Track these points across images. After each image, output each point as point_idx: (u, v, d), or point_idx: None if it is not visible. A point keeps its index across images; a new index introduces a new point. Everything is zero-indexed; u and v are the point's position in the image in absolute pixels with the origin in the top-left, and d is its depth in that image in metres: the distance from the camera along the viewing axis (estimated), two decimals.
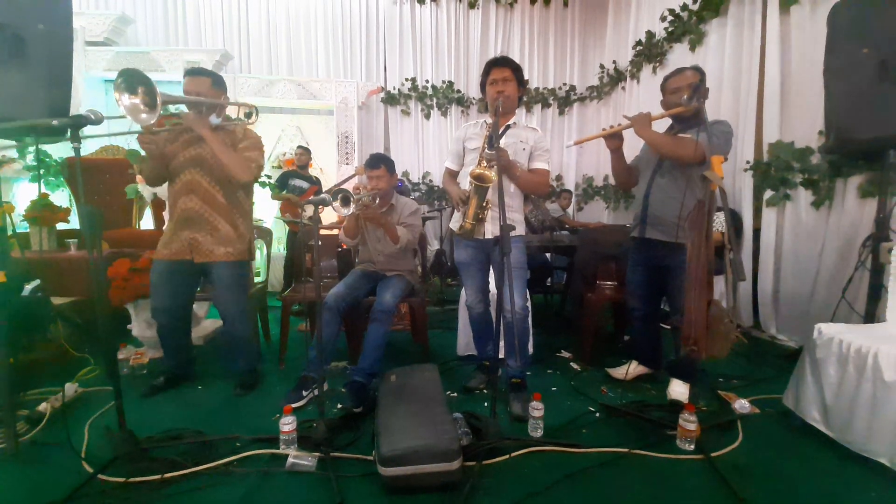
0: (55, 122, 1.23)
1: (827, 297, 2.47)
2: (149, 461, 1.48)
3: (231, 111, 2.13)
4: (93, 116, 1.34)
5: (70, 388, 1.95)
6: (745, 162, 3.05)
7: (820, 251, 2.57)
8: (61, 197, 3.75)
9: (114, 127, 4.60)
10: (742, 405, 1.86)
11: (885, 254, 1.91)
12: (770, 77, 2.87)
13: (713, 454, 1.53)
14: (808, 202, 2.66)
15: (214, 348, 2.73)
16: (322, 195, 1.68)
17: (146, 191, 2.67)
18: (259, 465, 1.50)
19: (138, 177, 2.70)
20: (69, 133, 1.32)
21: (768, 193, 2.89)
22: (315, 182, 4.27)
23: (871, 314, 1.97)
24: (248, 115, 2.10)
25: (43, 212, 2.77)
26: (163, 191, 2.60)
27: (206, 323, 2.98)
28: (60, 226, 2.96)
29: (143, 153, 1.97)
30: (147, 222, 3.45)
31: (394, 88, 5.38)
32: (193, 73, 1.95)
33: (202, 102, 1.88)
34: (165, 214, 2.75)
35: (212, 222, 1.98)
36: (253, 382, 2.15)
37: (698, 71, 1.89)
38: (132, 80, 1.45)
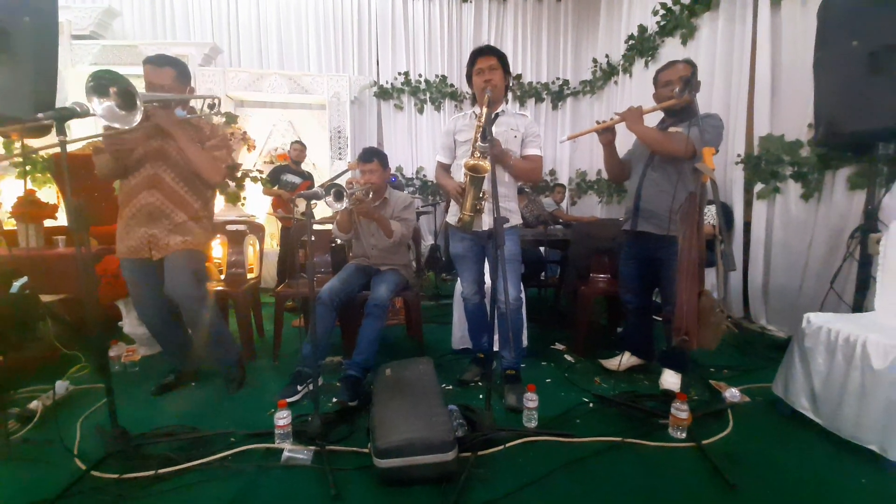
0: (40, 116, 1.21)
1: (816, 288, 2.51)
2: (142, 458, 1.47)
3: (195, 103, 2.00)
4: (78, 109, 1.32)
5: (61, 385, 1.93)
6: (735, 155, 3.07)
7: (809, 243, 2.61)
8: (48, 193, 3.68)
9: (101, 122, 4.52)
10: (732, 394, 1.88)
11: (874, 245, 1.94)
12: (761, 71, 2.89)
13: (704, 442, 1.56)
14: (798, 194, 2.69)
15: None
16: (314, 189, 1.67)
17: None
18: (254, 460, 1.50)
19: None
20: (55, 127, 1.29)
21: (759, 186, 2.92)
22: (308, 177, 4.24)
23: (860, 304, 2.01)
24: (212, 108, 1.96)
25: (30, 209, 2.72)
26: None
27: None
28: (48, 223, 2.92)
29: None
30: None
31: (387, 83, 5.34)
32: (156, 61, 1.79)
33: (173, 99, 1.77)
34: None
35: (171, 217, 1.87)
36: (239, 376, 2.08)
37: (690, 64, 1.90)
38: (103, 82, 1.33)
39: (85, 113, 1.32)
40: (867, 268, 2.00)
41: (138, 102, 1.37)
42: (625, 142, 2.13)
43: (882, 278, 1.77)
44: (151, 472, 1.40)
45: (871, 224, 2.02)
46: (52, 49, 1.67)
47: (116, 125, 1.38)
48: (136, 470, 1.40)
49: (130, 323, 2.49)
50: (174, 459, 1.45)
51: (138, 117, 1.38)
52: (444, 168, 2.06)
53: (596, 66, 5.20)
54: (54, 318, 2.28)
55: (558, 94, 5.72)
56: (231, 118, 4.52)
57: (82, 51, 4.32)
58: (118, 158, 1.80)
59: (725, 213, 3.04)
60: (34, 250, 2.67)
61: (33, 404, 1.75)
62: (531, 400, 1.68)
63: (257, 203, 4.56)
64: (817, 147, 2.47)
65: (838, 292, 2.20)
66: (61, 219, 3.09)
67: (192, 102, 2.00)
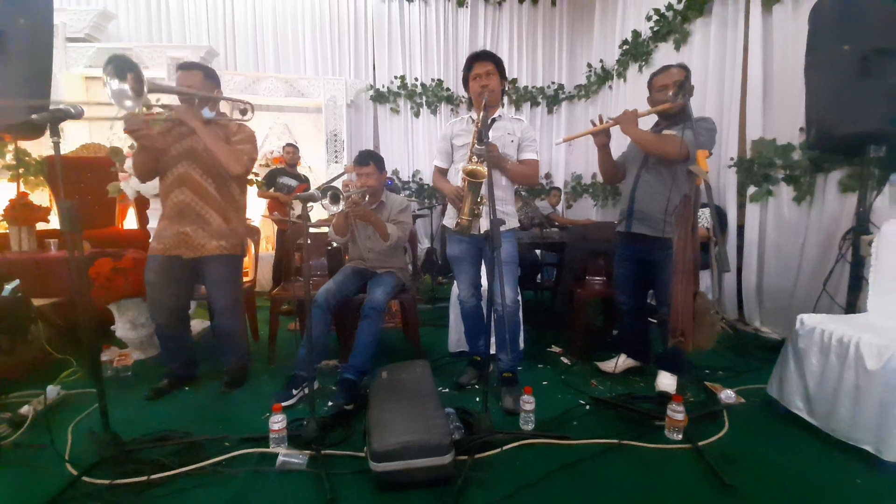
0: (35, 117, 1.20)
1: (809, 290, 2.53)
2: (134, 463, 1.45)
3: (226, 108, 2.09)
4: (73, 110, 1.32)
5: (52, 390, 1.90)
6: (728, 158, 3.10)
7: (802, 245, 2.64)
8: (41, 196, 3.65)
9: (94, 126, 4.50)
10: (728, 395, 1.89)
11: (866, 246, 1.96)
12: (753, 75, 2.93)
13: (700, 443, 1.56)
14: (790, 197, 2.72)
15: (201, 349, 2.69)
16: (311, 192, 1.67)
17: (129, 188, 2.61)
18: (248, 464, 1.48)
19: (121, 174, 2.64)
20: (49, 128, 1.28)
21: (751, 189, 2.95)
22: (304, 180, 4.23)
23: (852, 305, 2.02)
24: (244, 113, 2.05)
25: (22, 212, 2.70)
26: (146, 188, 2.55)
27: (192, 323, 2.93)
28: (40, 226, 2.89)
29: (128, 145, 1.93)
30: (130, 222, 3.39)
31: (383, 86, 5.35)
32: (185, 66, 1.95)
33: (191, 94, 1.85)
34: (149, 213, 2.70)
35: (203, 216, 1.94)
36: (241, 380, 2.12)
37: (684, 68, 1.92)
38: (122, 66, 1.44)
39: (79, 114, 1.32)
40: (859, 269, 2.02)
41: (145, 89, 1.44)
42: (620, 145, 2.15)
43: (874, 280, 1.79)
44: (144, 478, 1.38)
45: (862, 226, 2.04)
46: (46, 51, 1.67)
47: (121, 107, 1.46)
48: (128, 475, 1.38)
49: (123, 327, 2.46)
50: (167, 465, 1.43)
51: (141, 104, 1.46)
52: (442, 172, 2.06)
53: (590, 71, 5.24)
54: (46, 322, 2.26)
55: (553, 99, 5.76)
56: None
57: (77, 53, 4.31)
58: (146, 150, 1.88)
59: (719, 215, 3.07)
60: (26, 253, 2.65)
61: (24, 409, 1.73)
62: (528, 402, 1.68)
63: (253, 206, 4.53)
64: (809, 150, 2.50)
65: (831, 294, 2.22)
66: (54, 222, 3.06)
67: (223, 107, 2.08)
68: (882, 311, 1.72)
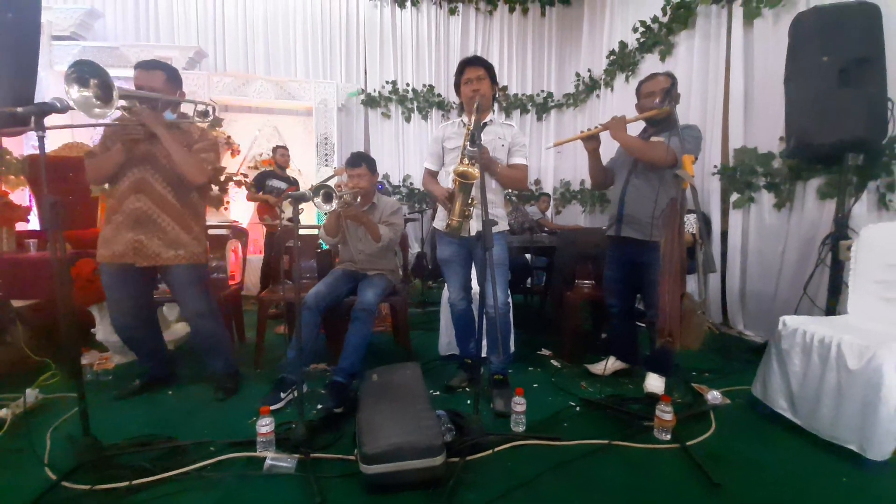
0: (19, 110, 1.18)
1: (789, 294, 2.60)
2: (116, 468, 1.41)
3: (187, 109, 2.00)
4: (58, 104, 1.29)
5: (30, 394, 1.84)
6: (712, 166, 3.18)
7: (782, 250, 2.71)
8: (21, 197, 3.55)
9: (77, 119, 4.42)
10: (714, 396, 1.92)
11: (844, 251, 2.02)
12: (735, 86, 3.02)
13: (688, 443, 1.58)
14: (771, 204, 2.80)
15: (186, 353, 2.63)
16: (303, 191, 1.66)
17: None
18: (235, 469, 1.45)
19: None
20: (33, 121, 1.26)
21: (734, 196, 3.03)
22: (293, 183, 4.19)
23: (832, 308, 2.09)
24: (204, 115, 1.95)
25: (2, 211, 2.62)
26: None
27: (176, 327, 2.87)
28: (20, 227, 2.81)
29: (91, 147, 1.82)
30: None
31: (374, 91, 5.37)
32: (146, 66, 1.82)
33: (159, 99, 1.77)
34: None
35: (160, 224, 1.84)
36: (233, 386, 2.07)
37: (670, 76, 1.97)
38: (84, 72, 1.37)
39: (65, 108, 1.30)
40: (838, 273, 2.08)
41: (114, 96, 1.38)
42: (609, 150, 2.19)
43: (854, 282, 1.84)
44: (125, 483, 1.34)
45: (841, 231, 2.11)
46: (33, 46, 1.64)
47: (88, 115, 1.38)
48: (109, 481, 1.34)
49: (104, 330, 2.40)
50: (150, 469, 1.39)
51: (112, 112, 1.39)
52: (432, 175, 2.07)
53: (579, 80, 5.34)
54: (24, 324, 2.18)
55: (542, 106, 5.84)
56: (215, 122, 4.46)
57: (62, 51, 4.23)
58: (110, 155, 1.78)
59: (704, 220, 3.14)
60: (5, 254, 2.57)
61: (2, 412, 1.67)
62: (519, 404, 1.68)
63: (241, 208, 4.49)
64: (789, 158, 2.58)
65: (811, 297, 2.28)
66: (33, 223, 2.98)
67: (185, 108, 1.98)
68: (862, 313, 1.77)
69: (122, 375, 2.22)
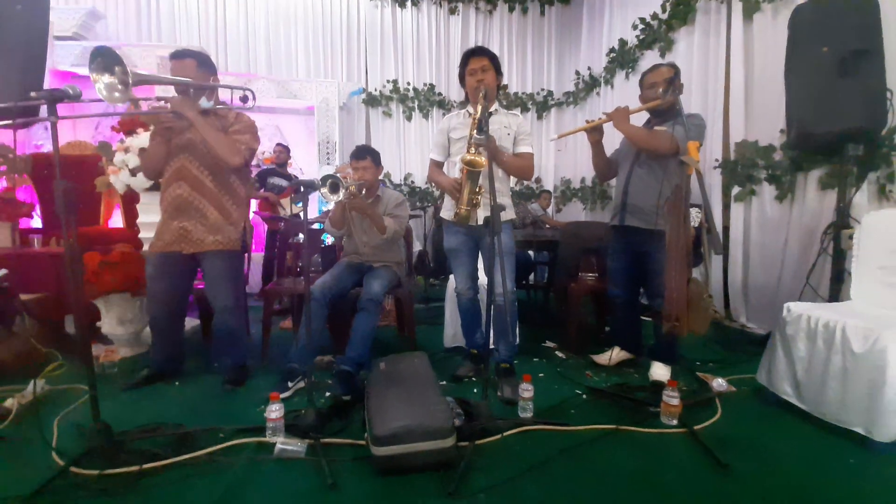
0: (32, 94, 1.18)
1: (792, 286, 2.61)
2: (125, 454, 1.41)
3: (225, 96, 2.01)
4: (71, 91, 1.30)
5: (37, 384, 1.83)
6: (713, 160, 3.21)
7: (784, 241, 2.73)
8: (24, 194, 3.55)
9: (80, 123, 4.42)
10: (719, 384, 1.93)
11: (846, 240, 2.04)
12: (735, 81, 3.05)
13: (695, 428, 1.58)
14: (773, 196, 2.82)
15: (192, 346, 2.63)
16: (311, 179, 1.67)
17: (119, 182, 2.56)
18: (244, 454, 1.45)
19: (110, 168, 2.59)
20: (46, 109, 1.27)
21: (736, 189, 3.05)
22: (294, 180, 4.22)
23: (835, 296, 2.10)
24: (244, 100, 1.94)
25: (6, 207, 2.62)
26: (136, 182, 2.50)
27: None
28: (22, 223, 2.81)
29: (118, 141, 1.88)
30: (116, 221, 3.31)
31: (375, 90, 5.39)
32: (177, 55, 1.87)
33: (180, 82, 1.80)
34: (139, 207, 2.65)
35: (201, 210, 1.89)
36: (242, 378, 2.06)
37: (673, 67, 1.99)
38: (108, 60, 1.41)
39: (77, 96, 1.30)
40: (840, 262, 2.10)
41: (130, 82, 1.41)
42: (612, 143, 2.20)
43: (857, 269, 1.86)
44: (136, 468, 1.34)
45: (843, 221, 2.13)
46: (41, 38, 1.66)
47: (110, 101, 1.42)
48: (118, 466, 1.34)
49: (109, 323, 2.39)
50: (160, 455, 1.40)
51: (128, 97, 1.43)
52: (438, 165, 2.09)
53: (578, 78, 5.38)
54: (31, 317, 2.19)
55: (543, 105, 5.87)
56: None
57: (63, 51, 4.23)
58: (162, 143, 1.86)
59: (707, 205, 3.15)
60: (10, 249, 2.57)
61: (8, 402, 1.67)
62: (526, 390, 1.69)
63: None
64: (789, 150, 2.61)
65: (814, 287, 2.30)
66: (37, 220, 2.98)
67: (222, 94, 2.01)
68: (865, 299, 1.79)
69: (127, 368, 2.22)
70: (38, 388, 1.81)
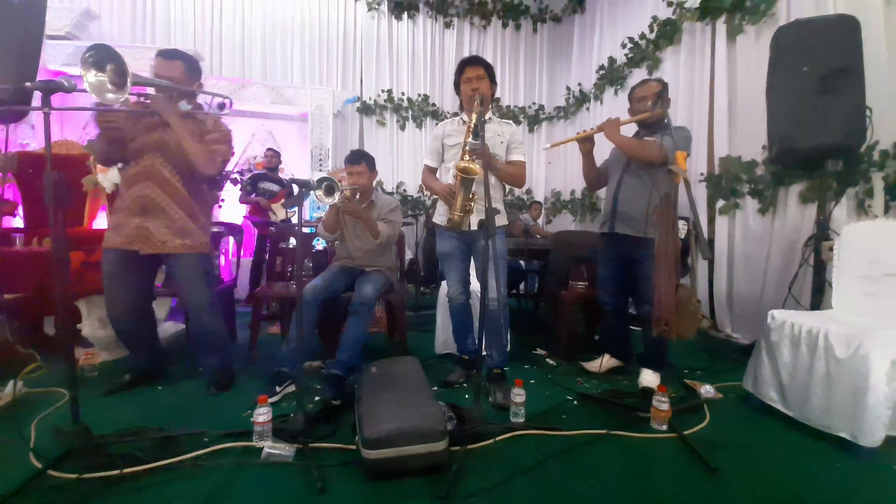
0: (28, 84, 1.17)
1: (775, 296, 2.68)
2: (105, 457, 1.36)
3: (203, 100, 2.01)
4: (65, 83, 1.29)
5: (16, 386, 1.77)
6: (699, 174, 3.30)
7: (767, 253, 2.80)
8: (7, 191, 3.46)
9: (67, 123, 4.35)
10: (707, 390, 1.96)
11: (826, 251, 2.11)
12: (719, 99, 3.16)
13: (685, 432, 1.60)
14: (755, 209, 2.91)
15: (176, 350, 2.57)
16: (306, 179, 1.67)
17: (106, 181, 2.52)
18: (230, 458, 1.41)
19: (98, 167, 2.55)
20: (40, 99, 1.25)
21: (720, 203, 3.14)
22: (286, 185, 4.20)
23: (817, 306, 2.15)
24: (221, 107, 1.96)
25: None
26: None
27: (166, 325, 2.80)
28: (5, 221, 2.74)
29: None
30: (101, 222, 3.24)
31: (370, 98, 5.44)
32: (166, 54, 1.83)
33: (175, 88, 1.78)
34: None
35: (167, 212, 1.83)
36: (228, 382, 2.01)
37: (661, 82, 2.06)
38: (102, 56, 1.37)
39: (72, 88, 1.29)
40: (821, 272, 2.16)
41: (128, 82, 1.37)
42: (603, 154, 2.26)
43: (837, 279, 1.91)
44: (116, 472, 1.29)
45: (823, 233, 2.20)
46: (38, 29, 1.64)
47: (100, 99, 1.37)
48: (98, 469, 1.29)
49: (91, 325, 2.33)
50: (141, 458, 1.35)
51: (122, 98, 1.39)
52: (431, 171, 2.11)
53: (569, 94, 5.51)
54: (10, 317, 2.12)
55: (534, 118, 5.99)
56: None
57: (55, 51, 4.19)
58: (111, 141, 1.77)
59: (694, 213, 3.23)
60: None
61: None
62: (518, 395, 1.69)
63: (232, 210, 4.44)
64: (771, 165, 2.69)
65: (796, 297, 2.36)
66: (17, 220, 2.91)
67: (201, 100, 1.99)
68: (846, 307, 1.84)
69: (108, 372, 2.16)
70: (16, 390, 1.75)
